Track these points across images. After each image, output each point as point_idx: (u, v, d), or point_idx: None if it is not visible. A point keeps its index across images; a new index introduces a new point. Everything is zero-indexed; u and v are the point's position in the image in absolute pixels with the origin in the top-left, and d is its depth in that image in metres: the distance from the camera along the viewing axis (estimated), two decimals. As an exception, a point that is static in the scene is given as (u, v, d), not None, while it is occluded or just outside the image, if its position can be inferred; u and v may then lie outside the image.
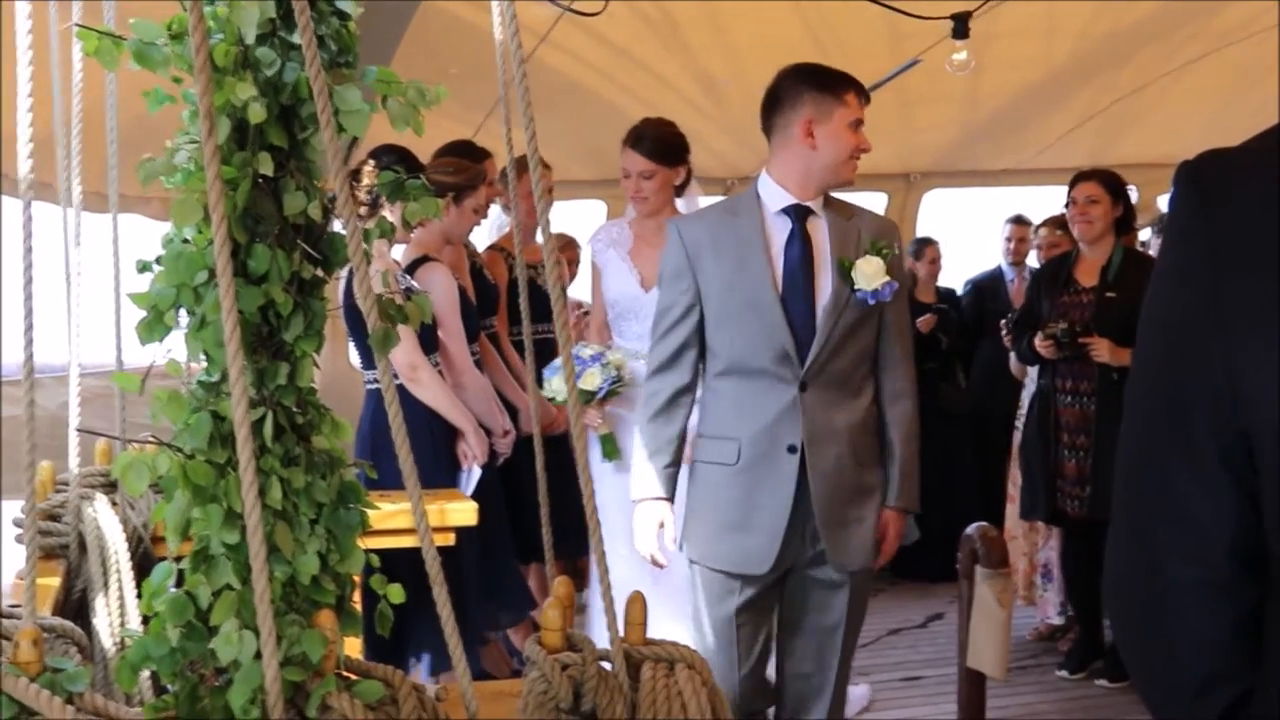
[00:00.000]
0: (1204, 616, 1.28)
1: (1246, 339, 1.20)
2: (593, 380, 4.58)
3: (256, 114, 1.40)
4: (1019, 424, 6.47)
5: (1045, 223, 7.23)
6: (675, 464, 3.63)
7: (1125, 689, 5.61)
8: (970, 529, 4.32)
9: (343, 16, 1.47)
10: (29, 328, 1.58)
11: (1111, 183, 5.74)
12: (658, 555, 3.68)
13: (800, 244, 3.53)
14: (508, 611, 4.90)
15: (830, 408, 3.51)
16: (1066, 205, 5.88)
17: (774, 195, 3.57)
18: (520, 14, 1.57)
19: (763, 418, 3.49)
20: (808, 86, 3.50)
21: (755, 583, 3.54)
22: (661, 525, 3.63)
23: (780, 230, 3.55)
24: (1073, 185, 5.82)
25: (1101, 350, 5.51)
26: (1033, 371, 6.18)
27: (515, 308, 5.34)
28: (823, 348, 3.47)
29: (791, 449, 3.48)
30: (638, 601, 1.73)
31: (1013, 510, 6.51)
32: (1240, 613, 1.27)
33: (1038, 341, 5.71)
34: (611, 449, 4.71)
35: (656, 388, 3.62)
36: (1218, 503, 1.25)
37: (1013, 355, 6.44)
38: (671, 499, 3.64)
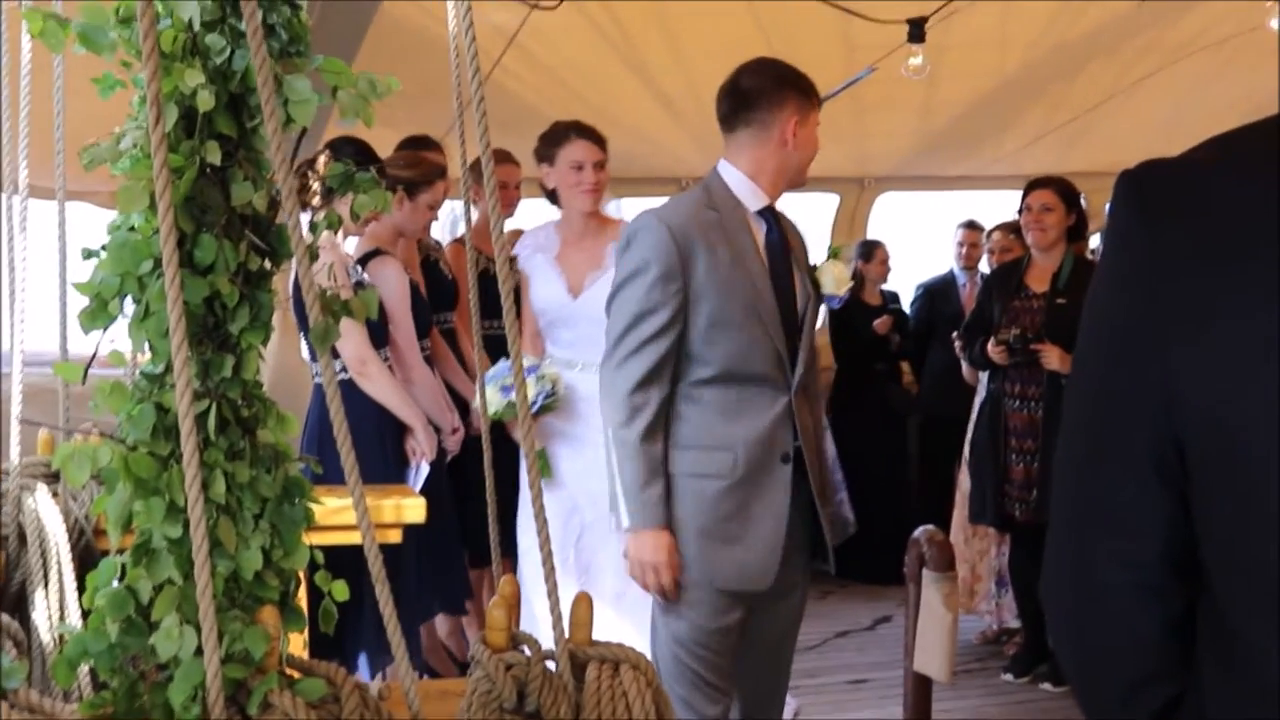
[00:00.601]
0: (1135, 619, 1.31)
1: (1182, 345, 1.21)
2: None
3: (205, 102, 1.38)
4: (970, 426, 6.51)
5: (998, 227, 7.25)
6: (666, 486, 3.35)
7: (1068, 693, 5.64)
8: (918, 532, 4.33)
9: (294, 5, 1.46)
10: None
11: (1066, 191, 5.78)
12: (670, 590, 3.37)
13: (781, 245, 3.47)
14: (445, 607, 4.89)
15: (806, 412, 3.46)
16: (1020, 212, 5.92)
17: (749, 193, 3.44)
18: (479, 28, 1.56)
19: (758, 426, 3.33)
20: (792, 88, 3.43)
21: (749, 599, 3.40)
22: (674, 554, 3.34)
23: (760, 230, 3.44)
24: (1027, 192, 5.86)
25: (1051, 357, 5.55)
26: (984, 377, 6.22)
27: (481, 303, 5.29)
28: (807, 352, 3.42)
29: (785, 458, 3.35)
30: (583, 602, 1.72)
31: (958, 517, 6.54)
32: (1171, 615, 1.29)
33: (990, 347, 5.74)
34: (543, 466, 4.51)
35: (641, 402, 3.30)
36: (1150, 507, 1.27)
37: (964, 361, 6.47)
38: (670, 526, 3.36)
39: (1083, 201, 5.96)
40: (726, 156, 3.48)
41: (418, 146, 5.24)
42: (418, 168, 4.83)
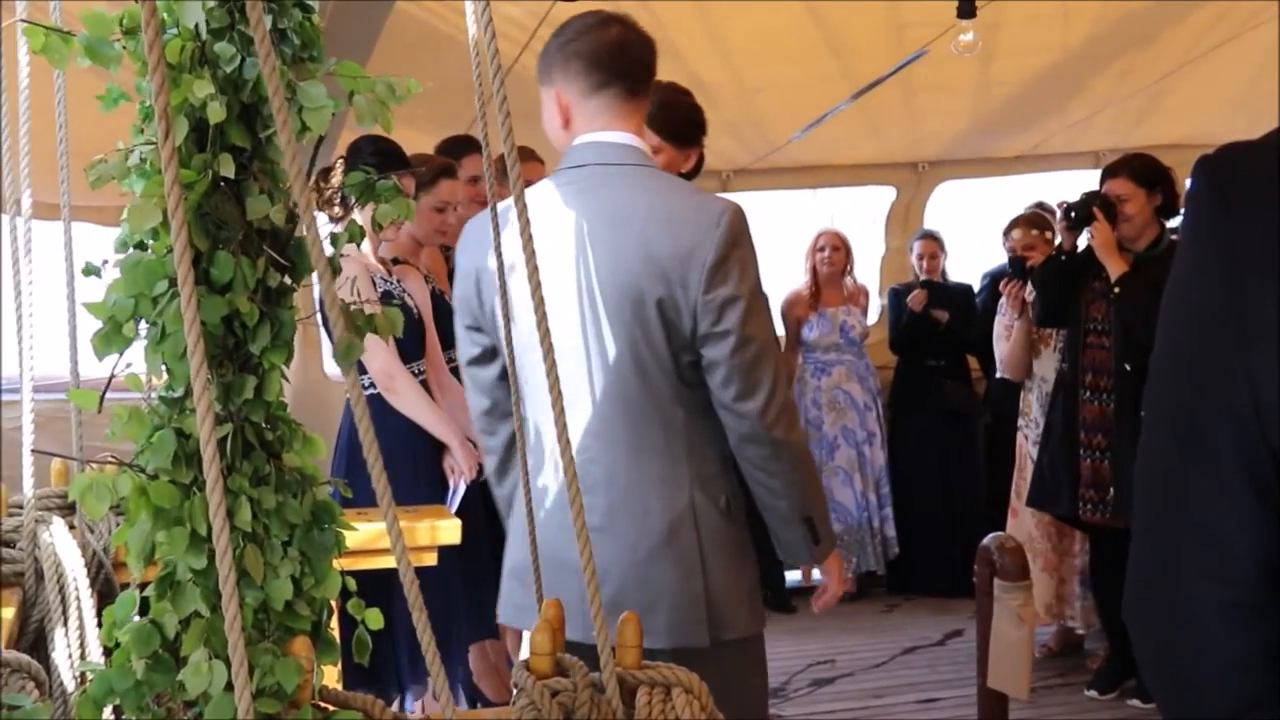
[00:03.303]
0: (1233, 640, 1.28)
1: (1270, 345, 1.20)
2: None
3: (215, 113, 1.41)
4: (1021, 424, 6.50)
5: (1016, 223, 7.08)
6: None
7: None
8: (988, 540, 4.33)
9: (305, 9, 1.49)
10: (-21, 343, 1.59)
11: (1144, 172, 5.67)
12: None
13: None
14: (482, 631, 4.93)
15: None
16: None
17: None
18: (499, 22, 1.58)
19: None
20: None
21: None
22: None
23: None
24: (1102, 181, 5.80)
25: (1096, 237, 5.55)
26: (1041, 369, 6.22)
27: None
28: None
29: None
30: (631, 623, 1.74)
31: (1014, 525, 6.51)
32: (1271, 635, 1.27)
33: (1059, 222, 5.76)
34: None
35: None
36: (1244, 519, 1.25)
37: (1000, 355, 6.47)
38: None
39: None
40: (627, 128, 3.05)
41: (456, 146, 5.28)
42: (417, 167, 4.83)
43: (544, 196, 3.03)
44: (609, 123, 3.01)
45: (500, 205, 3.01)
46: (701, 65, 6.26)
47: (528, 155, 5.51)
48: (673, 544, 2.98)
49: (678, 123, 3.89)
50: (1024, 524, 6.47)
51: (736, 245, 2.92)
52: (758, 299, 2.97)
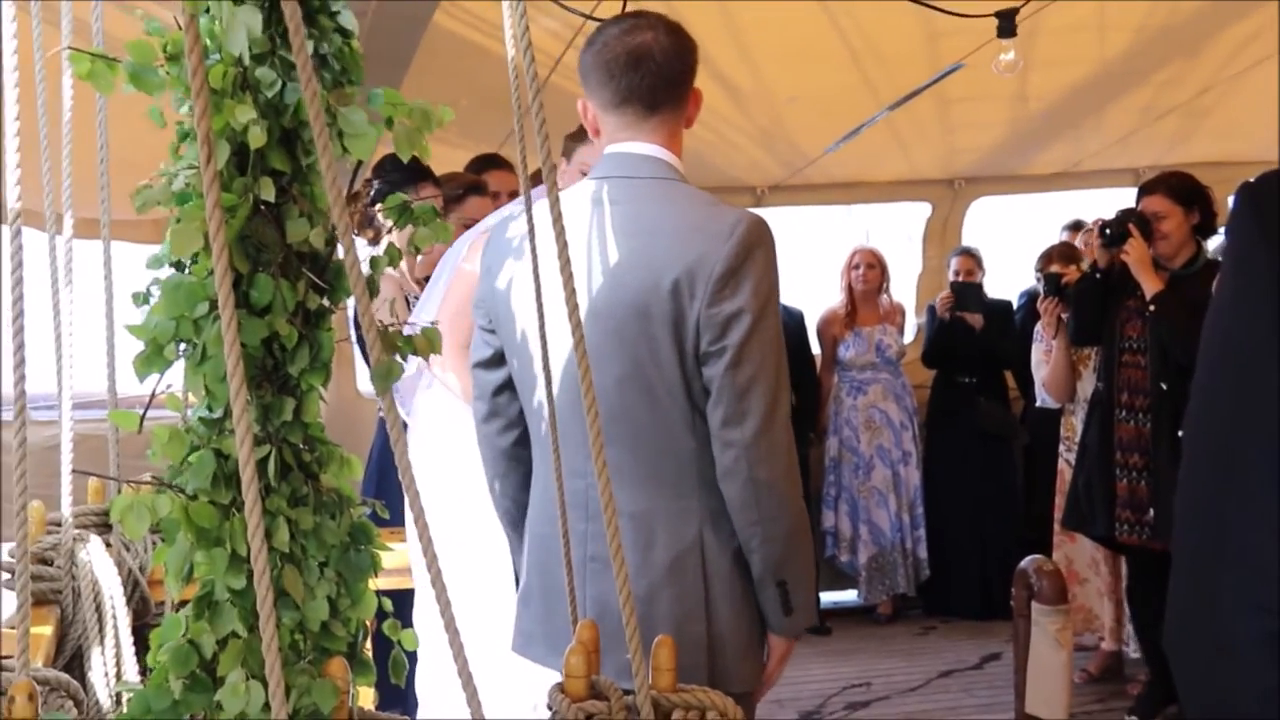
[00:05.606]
0: (1273, 670, 1.28)
1: None
2: None
3: (257, 138, 1.44)
4: (1063, 448, 6.45)
5: (1049, 256, 7.01)
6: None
7: (1200, 735, 5.57)
8: (1025, 562, 4.33)
9: (345, 34, 1.51)
10: (20, 362, 1.62)
11: (1182, 191, 5.61)
12: None
13: None
14: None
15: None
16: None
17: None
18: (533, 38, 1.61)
19: None
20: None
21: None
22: None
23: None
24: (1138, 199, 5.76)
25: (1131, 253, 5.49)
26: (1083, 390, 6.18)
27: None
28: None
29: None
30: (665, 645, 1.76)
31: (1072, 548, 6.45)
32: None
33: (1095, 240, 5.70)
34: None
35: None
36: None
37: (1040, 381, 6.43)
38: None
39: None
40: (654, 139, 2.87)
41: (485, 164, 5.32)
42: (446, 184, 4.85)
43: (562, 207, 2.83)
44: (633, 135, 2.84)
45: (497, 218, 2.89)
46: (732, 73, 6.27)
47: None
48: (675, 581, 2.77)
49: None
50: (1086, 549, 6.40)
51: (749, 258, 2.68)
52: (767, 319, 2.70)
